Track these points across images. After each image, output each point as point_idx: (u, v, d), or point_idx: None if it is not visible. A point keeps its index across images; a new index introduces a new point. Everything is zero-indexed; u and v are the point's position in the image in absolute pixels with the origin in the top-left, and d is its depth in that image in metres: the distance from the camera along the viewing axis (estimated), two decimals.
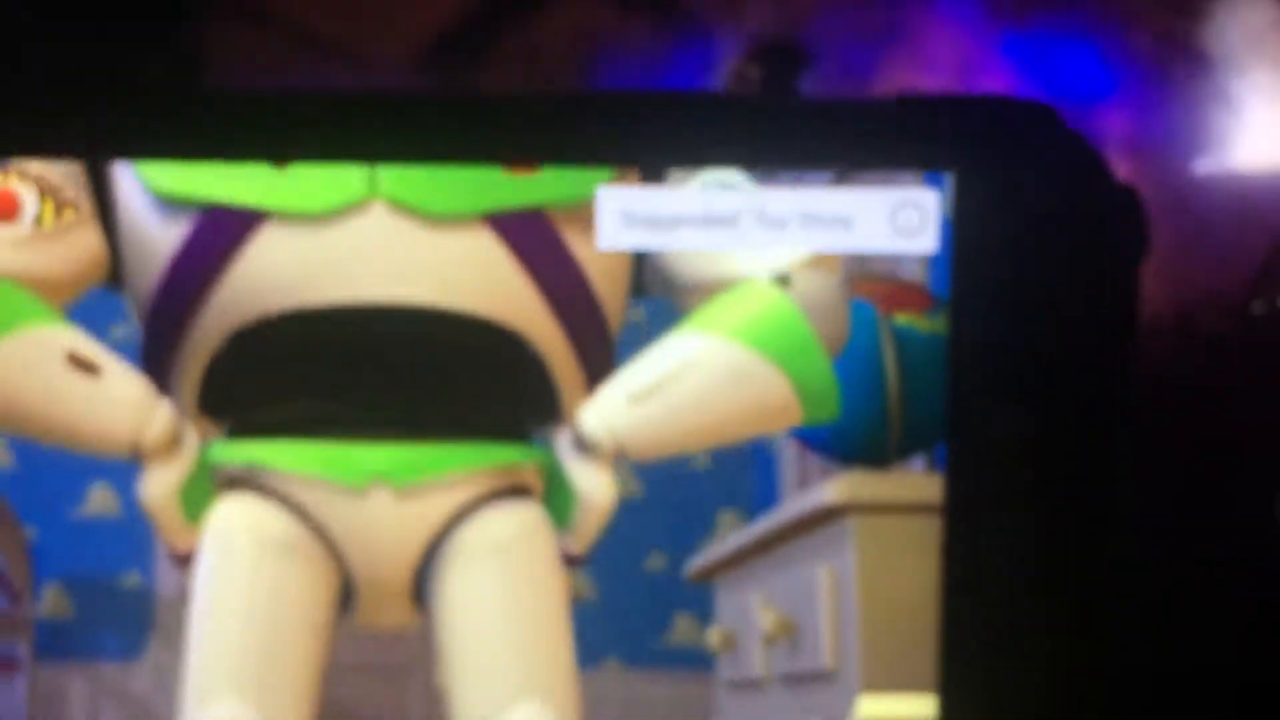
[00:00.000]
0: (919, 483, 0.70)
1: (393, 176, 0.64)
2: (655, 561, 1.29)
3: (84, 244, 0.67)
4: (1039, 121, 0.54)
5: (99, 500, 1.34)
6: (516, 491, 0.68)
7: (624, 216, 0.57)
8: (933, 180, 0.56)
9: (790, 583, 0.75)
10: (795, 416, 0.65)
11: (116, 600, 1.34)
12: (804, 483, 1.00)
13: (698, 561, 0.99)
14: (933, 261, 0.72)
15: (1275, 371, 0.59)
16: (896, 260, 0.73)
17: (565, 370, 0.67)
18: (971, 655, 0.53)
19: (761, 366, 0.65)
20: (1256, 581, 0.58)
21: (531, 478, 0.69)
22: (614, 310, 0.68)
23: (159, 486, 0.65)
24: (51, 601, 1.34)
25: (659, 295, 0.70)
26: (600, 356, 0.68)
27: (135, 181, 0.66)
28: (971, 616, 0.53)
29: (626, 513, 0.67)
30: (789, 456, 1.18)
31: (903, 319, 0.70)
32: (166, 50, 0.61)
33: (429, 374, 0.66)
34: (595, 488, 0.66)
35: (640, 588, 1.29)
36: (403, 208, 0.64)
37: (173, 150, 0.57)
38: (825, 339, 0.65)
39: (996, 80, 0.59)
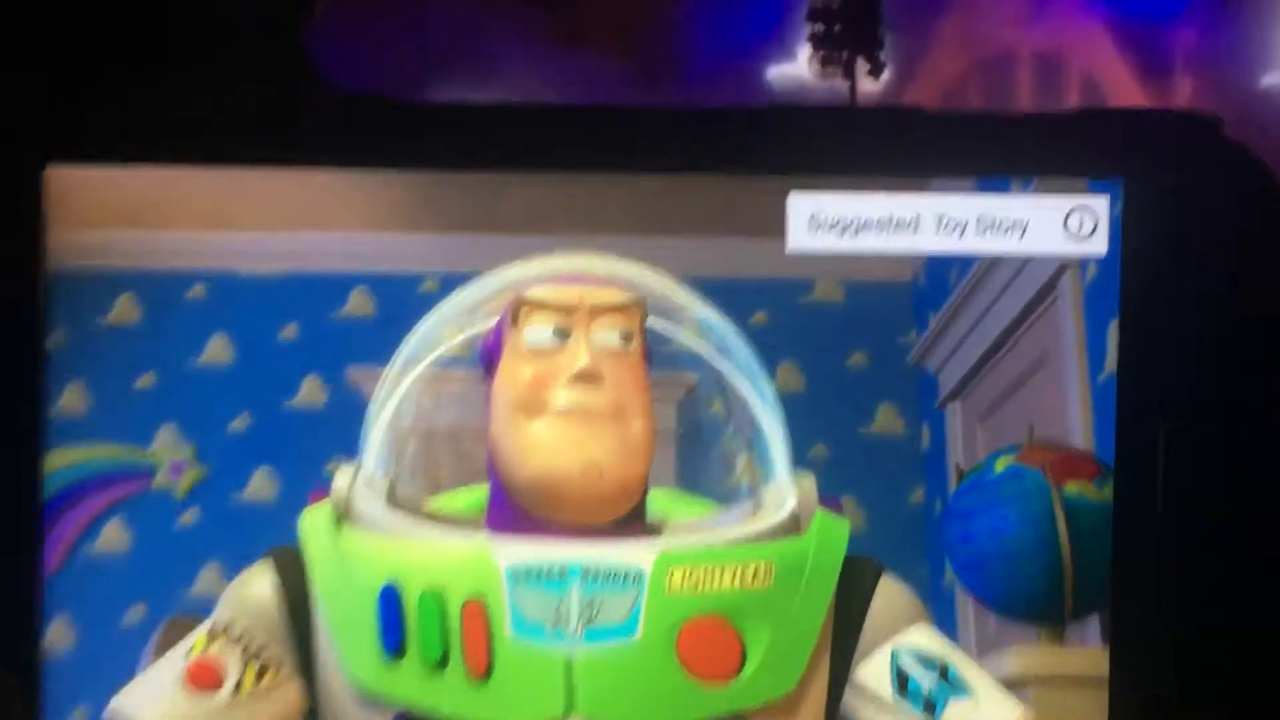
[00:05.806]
0: (1093, 657, 0.72)
1: (591, 693, 0.63)
2: None
3: (283, 700, 0.67)
4: (1204, 131, 0.57)
5: None
6: None
7: (812, 221, 0.61)
8: (1104, 188, 0.60)
9: None
10: None
11: None
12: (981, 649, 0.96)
13: None
14: (1096, 397, 0.74)
15: None
16: (1064, 430, 0.74)
17: None
18: None
19: None
20: None
21: None
22: None
23: None
24: None
25: None
26: None
27: (338, 655, 0.66)
28: None
29: None
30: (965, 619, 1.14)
31: (1073, 488, 0.73)
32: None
33: None
34: None
35: None
36: None
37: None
38: None
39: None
